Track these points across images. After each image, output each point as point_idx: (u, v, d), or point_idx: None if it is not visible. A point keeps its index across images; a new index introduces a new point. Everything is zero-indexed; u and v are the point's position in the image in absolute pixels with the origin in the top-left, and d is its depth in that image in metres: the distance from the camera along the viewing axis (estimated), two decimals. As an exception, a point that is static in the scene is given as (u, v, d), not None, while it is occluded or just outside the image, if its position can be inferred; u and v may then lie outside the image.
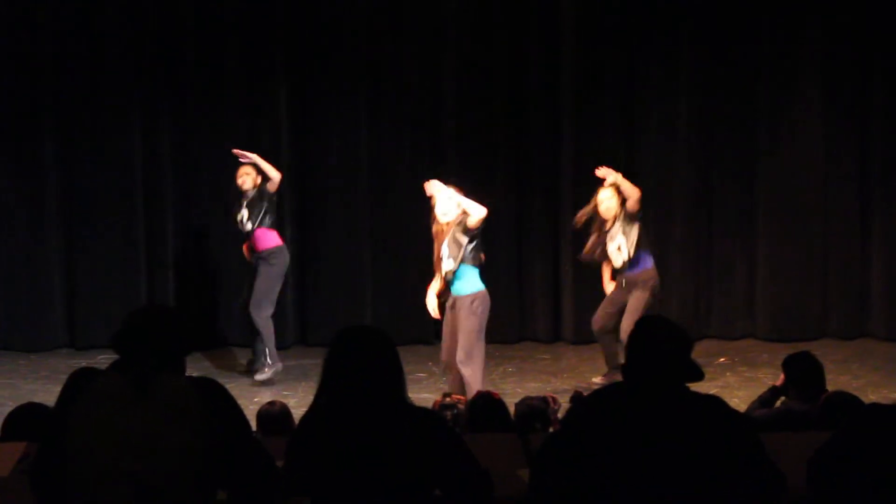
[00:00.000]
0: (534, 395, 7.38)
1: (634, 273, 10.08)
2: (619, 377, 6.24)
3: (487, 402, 6.62)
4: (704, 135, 12.04)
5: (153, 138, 11.82)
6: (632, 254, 10.00)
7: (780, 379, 7.25)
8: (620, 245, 10.02)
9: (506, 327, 12.12)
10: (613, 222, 10.01)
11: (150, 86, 11.76)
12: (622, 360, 4.48)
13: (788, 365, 7.22)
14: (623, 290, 10.14)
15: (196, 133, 11.86)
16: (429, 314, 9.18)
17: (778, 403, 7.15)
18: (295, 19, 11.83)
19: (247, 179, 10.55)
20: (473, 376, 8.69)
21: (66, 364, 10.79)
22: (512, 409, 6.78)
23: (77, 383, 4.63)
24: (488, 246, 11.99)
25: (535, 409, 6.65)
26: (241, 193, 10.59)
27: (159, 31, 11.71)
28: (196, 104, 11.82)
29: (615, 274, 10.21)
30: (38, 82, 11.65)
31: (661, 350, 4.29)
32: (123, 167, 11.77)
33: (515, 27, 11.93)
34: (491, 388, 8.06)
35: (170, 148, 11.85)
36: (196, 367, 4.55)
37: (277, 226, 10.74)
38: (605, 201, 10.02)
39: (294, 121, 11.93)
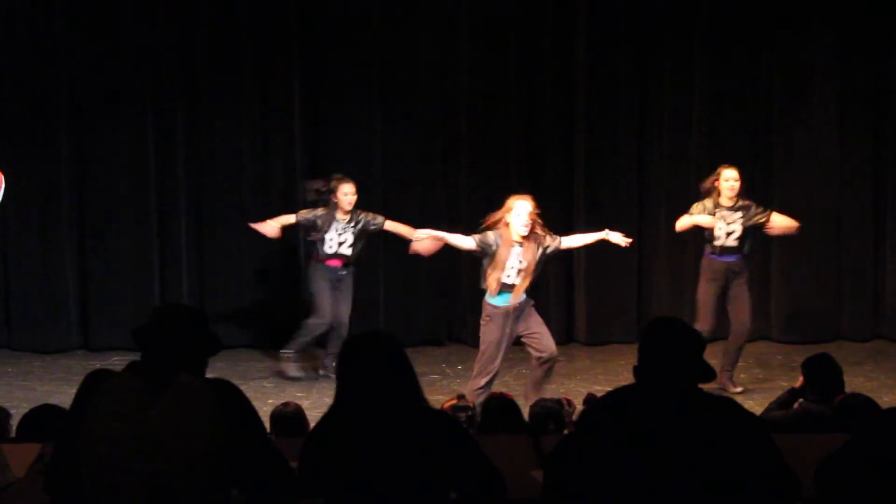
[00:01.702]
0: (547, 396, 7.38)
1: (738, 261, 10.09)
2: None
3: (501, 404, 6.63)
4: (717, 135, 12.04)
5: (166, 140, 11.82)
6: (739, 244, 10.04)
7: (798, 381, 7.25)
8: (735, 231, 9.99)
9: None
10: (735, 204, 9.99)
11: (165, 88, 11.77)
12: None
13: (807, 366, 7.23)
14: (719, 280, 10.09)
15: (209, 135, 11.87)
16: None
17: (796, 405, 7.15)
18: (308, 20, 11.83)
19: (353, 199, 10.50)
20: None
21: (81, 365, 10.83)
22: (526, 411, 6.79)
23: (92, 384, 4.65)
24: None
25: (550, 410, 6.66)
26: (335, 214, 10.49)
27: (173, 30, 11.70)
28: (210, 105, 11.83)
29: (711, 252, 10.12)
30: (51, 83, 11.65)
31: (673, 350, 4.29)
32: (137, 168, 11.78)
33: (528, 27, 11.92)
34: (504, 390, 8.07)
35: (183, 149, 11.85)
36: (210, 368, 4.57)
37: None
38: (733, 181, 9.95)
39: (307, 122, 11.93)
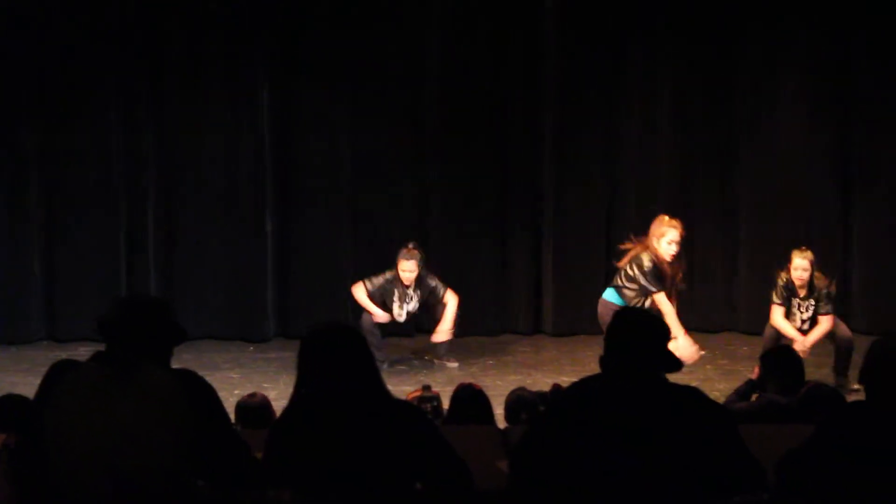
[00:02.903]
0: (515, 387, 7.38)
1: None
2: None
3: (469, 394, 6.64)
4: (686, 131, 12.06)
5: (134, 130, 11.76)
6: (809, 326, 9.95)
7: (755, 372, 7.28)
8: (808, 319, 9.90)
9: (487, 320, 12.15)
10: (808, 294, 9.88)
11: (132, 78, 11.71)
12: None
13: (767, 358, 7.27)
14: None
15: (177, 125, 11.83)
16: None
17: (754, 396, 7.19)
18: (278, 13, 11.80)
19: (409, 276, 10.66)
20: None
21: (46, 356, 10.73)
22: (497, 402, 6.81)
23: (57, 375, 4.65)
24: (471, 239, 12.07)
25: (525, 401, 6.67)
26: (403, 285, 10.70)
27: (142, 22, 11.65)
28: (177, 97, 11.78)
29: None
30: (18, 73, 11.58)
31: (639, 341, 4.31)
32: (104, 158, 11.72)
33: (498, 23, 11.93)
34: (472, 381, 8.08)
35: (151, 139, 11.80)
36: (175, 358, 4.58)
37: None
38: (801, 270, 9.82)
39: (275, 114, 11.88)
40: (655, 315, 4.50)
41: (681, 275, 9.40)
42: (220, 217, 11.89)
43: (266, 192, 11.87)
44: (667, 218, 9.43)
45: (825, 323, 9.92)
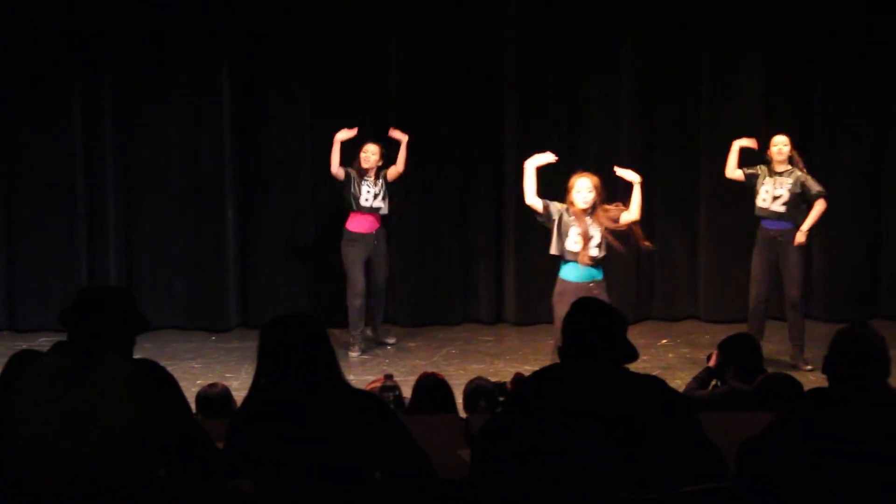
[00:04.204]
0: (476, 376, 7.42)
1: (789, 229, 10.14)
2: None
3: (431, 384, 6.66)
4: (647, 117, 12.10)
5: (94, 119, 11.71)
6: (787, 210, 10.10)
7: (712, 359, 7.32)
8: (781, 195, 10.07)
9: (448, 309, 12.15)
10: (784, 171, 10.11)
11: (92, 67, 11.65)
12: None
13: (726, 346, 7.31)
14: (768, 249, 10.18)
15: (137, 115, 11.77)
16: None
17: (713, 384, 7.23)
18: (239, 4, 11.77)
19: (371, 158, 10.69)
20: None
21: (7, 346, 10.71)
22: (460, 391, 6.83)
23: (18, 365, 4.63)
24: (433, 227, 12.08)
25: (483, 390, 6.70)
26: (361, 170, 10.69)
27: (101, 7, 11.59)
28: (138, 86, 11.72)
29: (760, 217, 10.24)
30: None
31: (597, 331, 4.32)
32: (64, 148, 11.66)
33: (460, 10, 11.93)
34: (434, 370, 8.10)
35: (111, 129, 11.75)
36: (137, 348, 4.59)
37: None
38: (781, 145, 10.13)
39: (237, 103, 11.85)
40: (611, 305, 4.51)
41: (615, 213, 9.21)
42: (181, 207, 11.85)
43: (227, 182, 11.84)
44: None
45: (820, 206, 10.10)
